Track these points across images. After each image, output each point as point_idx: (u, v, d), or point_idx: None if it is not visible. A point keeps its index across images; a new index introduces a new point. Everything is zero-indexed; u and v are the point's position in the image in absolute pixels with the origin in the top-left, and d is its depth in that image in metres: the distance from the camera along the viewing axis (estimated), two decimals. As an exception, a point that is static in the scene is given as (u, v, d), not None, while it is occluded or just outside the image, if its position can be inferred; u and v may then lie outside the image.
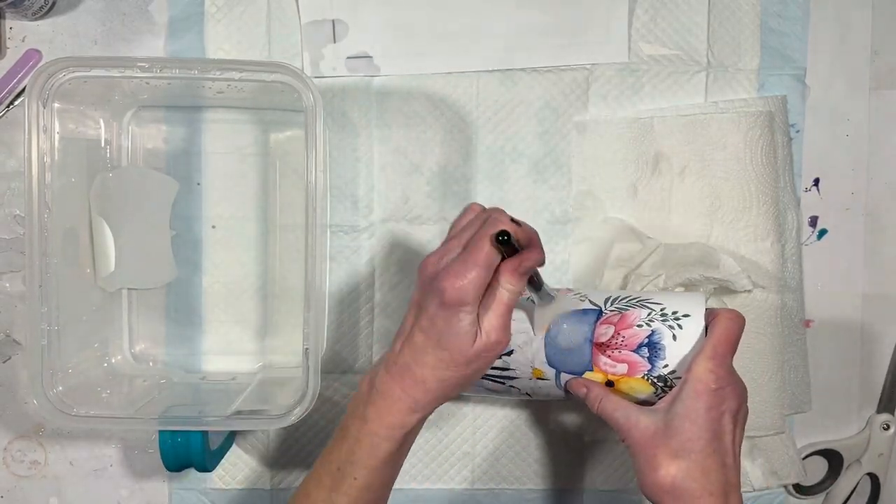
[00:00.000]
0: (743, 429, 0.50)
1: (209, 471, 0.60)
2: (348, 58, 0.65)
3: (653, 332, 0.51)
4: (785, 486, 0.67)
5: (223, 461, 0.65)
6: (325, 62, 0.65)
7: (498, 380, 0.54)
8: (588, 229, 0.65)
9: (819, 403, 0.68)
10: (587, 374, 0.52)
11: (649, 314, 0.52)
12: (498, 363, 0.53)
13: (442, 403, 0.50)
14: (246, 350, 0.66)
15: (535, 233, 0.48)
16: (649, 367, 0.51)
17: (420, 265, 0.49)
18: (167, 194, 0.65)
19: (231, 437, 0.65)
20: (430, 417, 0.66)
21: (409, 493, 0.67)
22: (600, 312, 0.53)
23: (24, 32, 0.65)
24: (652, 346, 0.51)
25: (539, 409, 0.66)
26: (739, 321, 0.50)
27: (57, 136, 0.55)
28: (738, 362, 0.63)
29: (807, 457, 0.68)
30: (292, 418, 0.54)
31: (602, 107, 0.65)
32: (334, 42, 0.64)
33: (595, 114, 0.65)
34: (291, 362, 0.65)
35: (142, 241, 0.64)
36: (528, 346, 0.53)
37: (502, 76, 0.65)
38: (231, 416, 0.55)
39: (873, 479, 0.68)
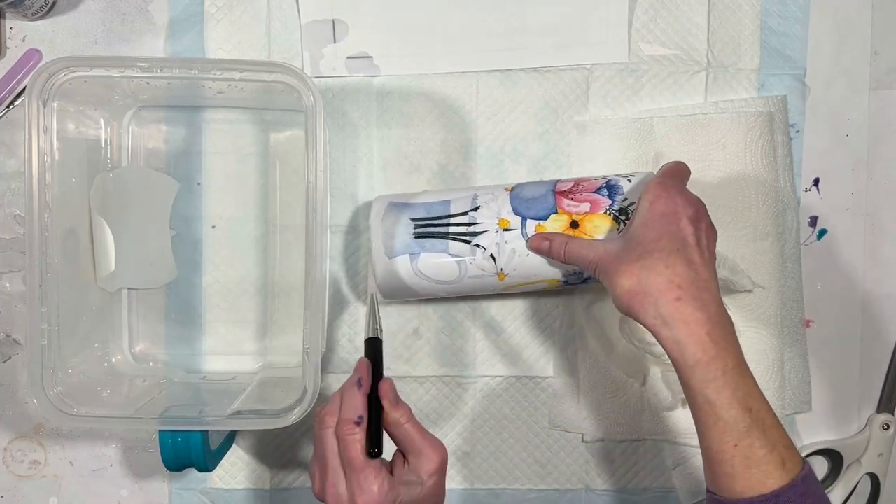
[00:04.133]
0: (711, 239, 0.51)
1: (209, 471, 0.60)
2: (348, 58, 0.65)
3: (609, 179, 0.58)
4: (785, 486, 0.67)
5: (223, 461, 0.65)
6: (325, 62, 0.65)
7: (463, 238, 0.57)
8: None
9: (819, 403, 0.68)
10: (552, 217, 0.56)
11: (605, 175, 0.59)
12: (464, 219, 0.57)
13: None
14: (246, 350, 0.66)
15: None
16: (610, 202, 0.56)
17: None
18: (167, 194, 0.65)
19: (231, 437, 0.65)
20: (430, 417, 0.66)
21: (409, 493, 0.66)
22: (559, 180, 0.59)
23: (24, 32, 0.65)
24: (610, 188, 0.57)
25: (539, 408, 0.66)
26: (683, 163, 0.56)
27: (57, 136, 0.55)
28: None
29: (807, 457, 0.68)
30: (292, 418, 0.54)
31: (602, 107, 0.65)
32: (334, 42, 0.64)
33: (595, 114, 0.65)
34: (291, 362, 0.65)
35: (142, 241, 0.64)
36: (493, 202, 0.57)
37: (502, 76, 0.65)
38: (231, 416, 0.55)
39: (873, 479, 0.68)
